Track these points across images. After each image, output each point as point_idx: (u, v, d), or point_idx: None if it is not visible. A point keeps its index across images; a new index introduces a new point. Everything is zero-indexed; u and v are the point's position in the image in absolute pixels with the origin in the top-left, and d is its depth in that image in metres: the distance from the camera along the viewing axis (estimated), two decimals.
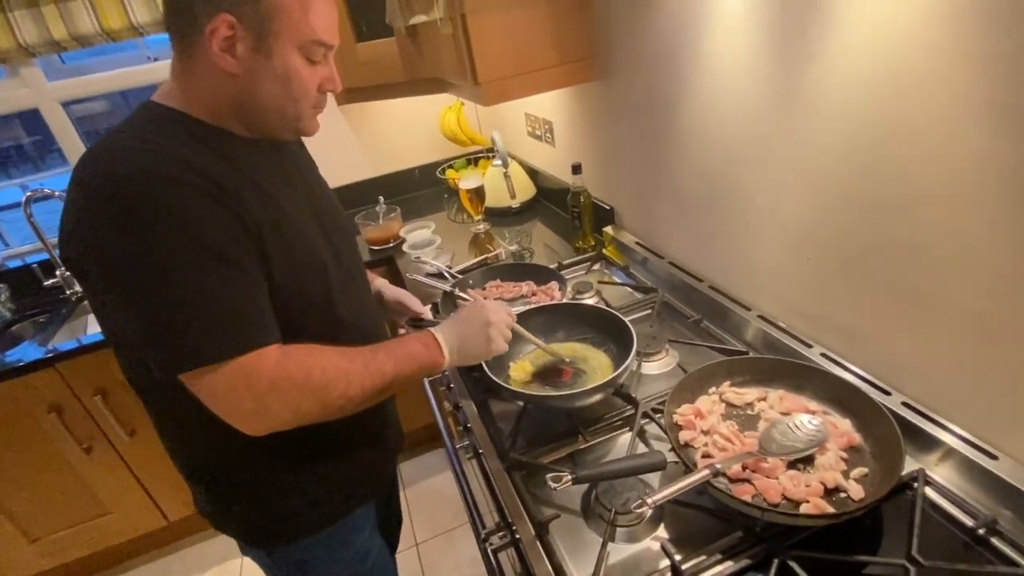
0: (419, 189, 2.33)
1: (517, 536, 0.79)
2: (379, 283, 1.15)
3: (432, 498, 2.04)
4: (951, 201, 0.67)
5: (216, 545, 1.99)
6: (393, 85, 1.71)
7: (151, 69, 1.95)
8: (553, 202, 1.92)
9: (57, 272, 1.92)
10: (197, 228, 0.65)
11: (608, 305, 1.23)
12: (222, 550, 1.97)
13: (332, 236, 0.87)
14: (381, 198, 1.87)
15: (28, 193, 1.82)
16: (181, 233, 0.64)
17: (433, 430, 2.16)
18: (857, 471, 0.73)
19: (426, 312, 1.16)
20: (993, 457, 0.70)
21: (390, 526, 1.23)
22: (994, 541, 0.66)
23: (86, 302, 1.94)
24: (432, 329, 0.87)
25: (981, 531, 0.67)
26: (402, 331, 1.13)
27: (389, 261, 1.79)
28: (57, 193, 1.83)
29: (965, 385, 0.73)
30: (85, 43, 1.78)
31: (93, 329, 1.89)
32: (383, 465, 1.01)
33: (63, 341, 1.72)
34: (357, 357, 0.77)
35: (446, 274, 1.44)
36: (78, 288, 1.94)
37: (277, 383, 0.69)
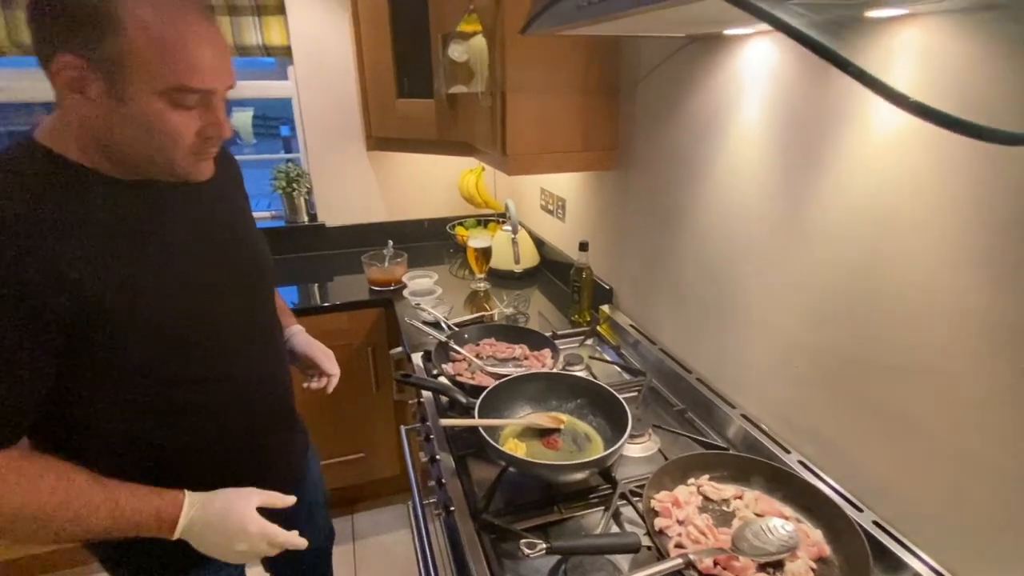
0: (425, 240, 2.39)
1: None
2: (294, 329, 1.09)
3: (381, 556, 1.94)
4: (930, 332, 0.73)
5: None
6: (424, 141, 1.81)
7: None
8: (554, 273, 1.99)
9: None
10: None
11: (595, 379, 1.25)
12: None
13: (227, 280, 0.84)
14: (391, 242, 1.92)
15: None
16: None
17: (392, 485, 2.11)
18: None
19: (335, 372, 1.10)
20: None
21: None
22: None
23: None
24: (187, 502, 0.74)
25: None
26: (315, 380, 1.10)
27: (387, 304, 1.81)
28: None
29: (934, 512, 0.76)
30: None
31: None
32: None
33: None
34: (77, 500, 0.67)
35: (443, 324, 1.46)
36: None
37: None
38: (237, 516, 0.76)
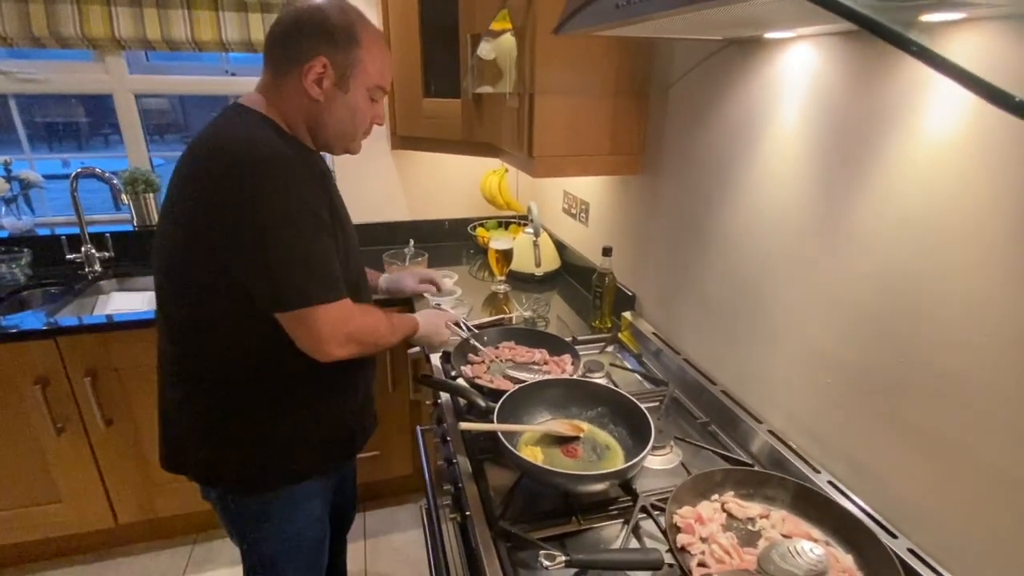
0: (445, 240, 2.39)
1: None
2: (383, 277, 1.54)
3: (391, 555, 1.94)
4: (976, 352, 0.69)
5: (160, 559, 1.88)
6: (449, 141, 1.80)
7: (228, 82, 2.07)
8: (575, 278, 1.96)
9: (82, 248, 1.95)
10: (312, 202, 0.88)
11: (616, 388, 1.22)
12: (165, 565, 1.85)
13: (352, 236, 1.10)
14: (412, 241, 1.92)
15: (79, 169, 1.89)
16: (302, 205, 0.86)
17: (405, 484, 2.10)
18: None
19: (424, 289, 1.56)
20: None
21: (341, 508, 1.36)
22: None
23: (101, 282, 1.95)
24: (418, 316, 1.21)
25: None
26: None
27: (407, 302, 1.80)
28: (107, 174, 1.89)
29: (977, 542, 0.72)
30: (174, 47, 1.90)
31: (100, 310, 1.89)
32: (354, 440, 1.16)
33: (68, 316, 1.72)
34: (389, 318, 1.08)
35: (463, 325, 1.44)
36: (98, 267, 1.96)
37: (361, 327, 0.97)
38: (435, 314, 1.28)
